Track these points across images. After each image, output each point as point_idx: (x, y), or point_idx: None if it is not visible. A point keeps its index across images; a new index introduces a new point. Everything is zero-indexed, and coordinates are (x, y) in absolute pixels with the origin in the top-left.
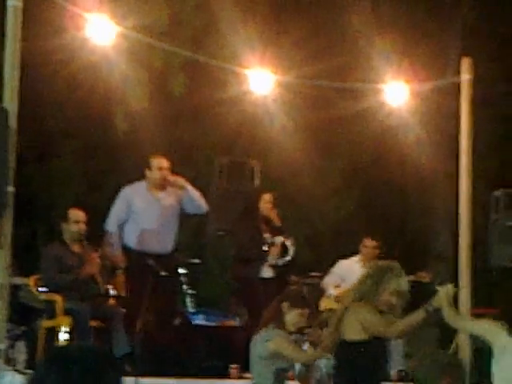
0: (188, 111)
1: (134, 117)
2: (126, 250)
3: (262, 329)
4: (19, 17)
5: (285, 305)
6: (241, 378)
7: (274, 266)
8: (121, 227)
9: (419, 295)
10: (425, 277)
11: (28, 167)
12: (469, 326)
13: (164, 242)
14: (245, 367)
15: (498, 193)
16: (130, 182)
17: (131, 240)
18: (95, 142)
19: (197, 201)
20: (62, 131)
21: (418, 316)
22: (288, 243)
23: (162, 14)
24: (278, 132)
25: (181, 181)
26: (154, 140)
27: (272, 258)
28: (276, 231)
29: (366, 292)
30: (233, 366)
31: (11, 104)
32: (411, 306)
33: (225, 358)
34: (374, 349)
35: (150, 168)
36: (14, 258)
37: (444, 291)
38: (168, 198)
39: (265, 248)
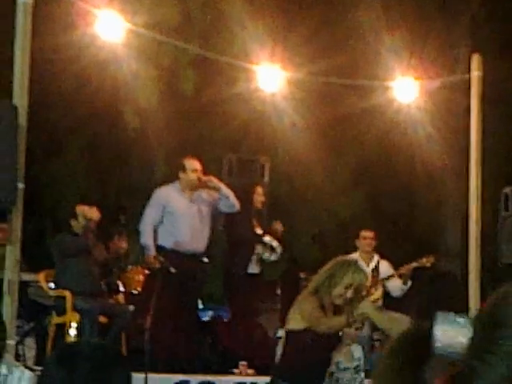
0: (197, 108)
1: (143, 114)
2: (160, 250)
3: None
4: (29, 13)
5: None
6: (248, 374)
7: (260, 263)
8: (155, 228)
9: (424, 280)
10: (426, 261)
11: (37, 163)
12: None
13: (198, 242)
14: (252, 364)
15: (507, 190)
16: (138, 178)
17: (166, 241)
18: (104, 139)
19: (230, 200)
20: (70, 128)
21: (339, 320)
22: (274, 244)
23: (171, 10)
24: (287, 129)
25: (214, 181)
26: (162, 137)
27: (260, 255)
28: (266, 225)
29: (319, 284)
30: (242, 362)
31: (21, 101)
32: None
33: (233, 355)
34: (309, 338)
35: (183, 170)
36: (23, 254)
37: (367, 304)
38: (202, 199)
39: (254, 243)
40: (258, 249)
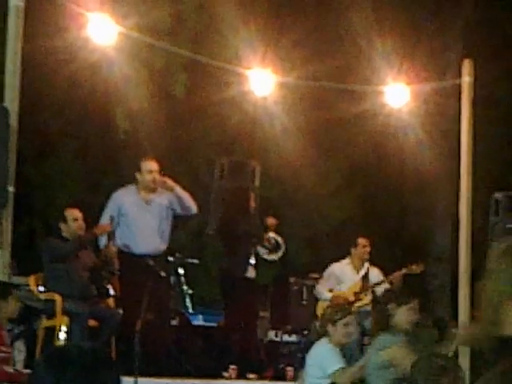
0: (189, 111)
1: (135, 117)
2: (118, 251)
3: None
4: (21, 16)
5: (391, 306)
6: (239, 378)
7: (255, 267)
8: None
9: (412, 287)
10: (416, 269)
11: (28, 166)
12: None
13: (154, 244)
14: (243, 368)
15: (498, 195)
16: (129, 182)
17: (122, 242)
18: (95, 142)
19: (186, 202)
20: (62, 131)
21: None
22: (279, 240)
23: (163, 14)
24: (278, 133)
25: (170, 182)
26: (154, 140)
27: (264, 253)
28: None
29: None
30: (232, 366)
31: (12, 103)
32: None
33: (223, 359)
34: None
35: (140, 171)
36: (13, 258)
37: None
38: (158, 200)
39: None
40: (259, 248)
